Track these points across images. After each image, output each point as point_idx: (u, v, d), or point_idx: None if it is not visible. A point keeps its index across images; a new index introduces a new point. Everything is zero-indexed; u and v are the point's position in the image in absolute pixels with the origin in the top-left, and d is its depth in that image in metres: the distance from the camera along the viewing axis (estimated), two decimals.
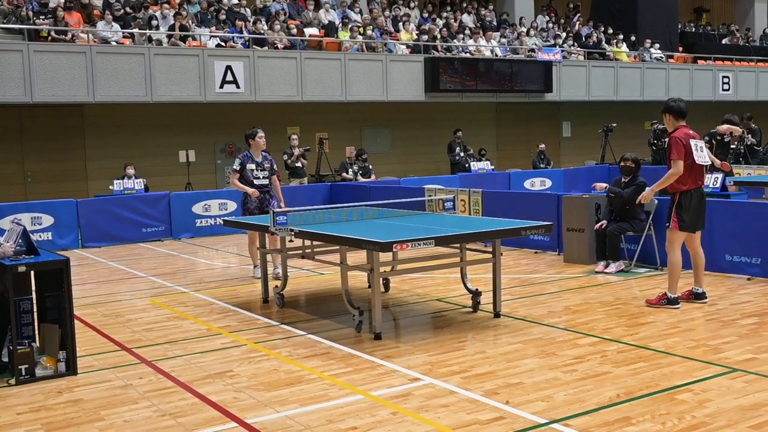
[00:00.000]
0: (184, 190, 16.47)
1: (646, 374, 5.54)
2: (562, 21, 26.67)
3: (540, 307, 7.83)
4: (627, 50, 25.30)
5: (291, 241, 8.07)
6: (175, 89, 17.17)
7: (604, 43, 25.23)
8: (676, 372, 5.58)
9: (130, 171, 15.30)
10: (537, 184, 18.49)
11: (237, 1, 19.91)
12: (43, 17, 16.78)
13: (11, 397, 5.49)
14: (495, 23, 24.46)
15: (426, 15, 23.52)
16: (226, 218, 10.16)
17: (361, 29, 20.51)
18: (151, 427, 4.83)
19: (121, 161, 16.12)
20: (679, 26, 28.38)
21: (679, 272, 7.52)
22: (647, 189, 7.76)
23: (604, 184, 10.09)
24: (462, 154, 19.77)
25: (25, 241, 6.00)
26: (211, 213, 14.74)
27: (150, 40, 17.49)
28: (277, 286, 8.40)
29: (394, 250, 6.44)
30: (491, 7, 25.39)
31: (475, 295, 7.68)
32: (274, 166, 10.03)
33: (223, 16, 19.07)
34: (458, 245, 7.56)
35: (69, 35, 16.57)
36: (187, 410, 5.11)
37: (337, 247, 7.43)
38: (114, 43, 17.04)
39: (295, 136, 17.09)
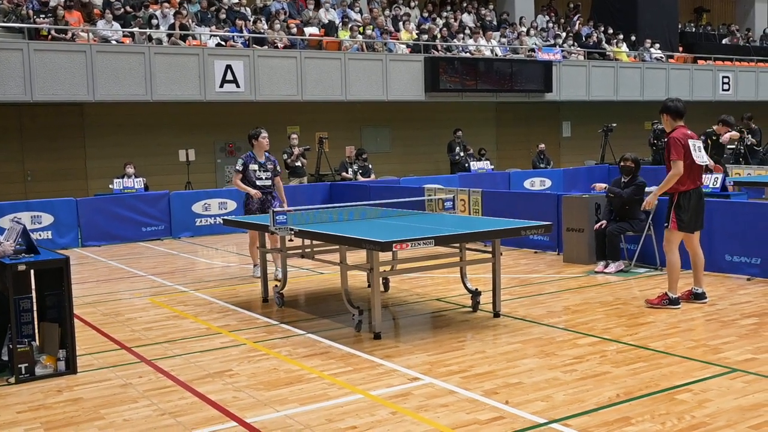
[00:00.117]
0: (183, 190, 16.47)
1: (645, 374, 5.54)
2: (562, 21, 26.67)
3: (539, 307, 7.83)
4: (627, 50, 25.31)
5: (291, 240, 8.07)
6: (175, 88, 17.16)
7: (604, 43, 25.23)
8: (676, 372, 5.58)
9: (130, 170, 15.30)
10: (537, 184, 18.49)
11: (237, 1, 19.91)
12: (43, 16, 16.78)
13: (11, 396, 5.49)
14: (495, 23, 24.46)
15: (426, 14, 23.51)
16: (225, 217, 10.15)
17: (361, 29, 20.51)
18: (151, 426, 4.83)
19: (121, 160, 16.12)
20: (679, 26, 28.38)
21: (679, 272, 7.53)
22: (650, 195, 7.73)
23: (604, 185, 10.09)
24: (462, 154, 19.77)
25: (25, 240, 6.00)
26: (210, 212, 14.74)
27: (150, 39, 17.48)
28: (276, 286, 8.40)
29: (393, 249, 6.44)
30: (491, 6, 25.39)
31: (475, 294, 7.68)
32: (277, 167, 9.99)
33: (223, 16, 19.07)
34: (458, 245, 7.56)
35: (69, 34, 16.56)
36: (187, 409, 5.11)
37: (337, 247, 7.42)
38: (114, 42, 17.04)
39: (294, 136, 17.09)
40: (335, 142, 19.83)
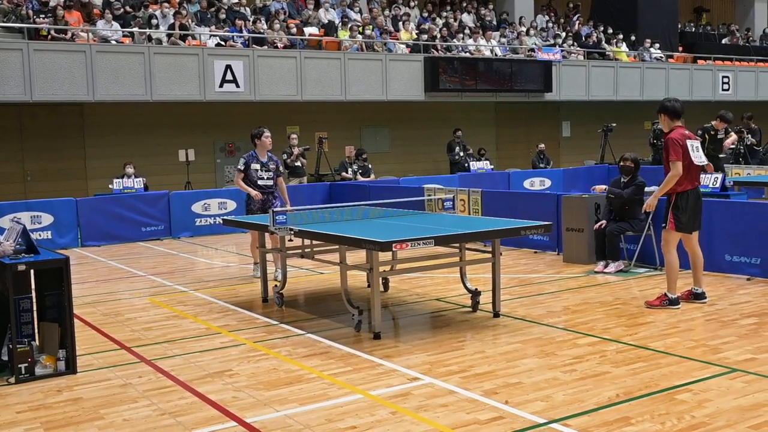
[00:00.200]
0: (183, 190, 16.47)
1: (645, 374, 5.54)
2: (562, 21, 26.67)
3: (539, 306, 7.83)
4: (627, 50, 25.31)
5: (290, 240, 8.06)
6: (174, 88, 17.16)
7: (603, 42, 25.23)
8: (676, 372, 5.58)
9: (130, 170, 15.30)
10: (536, 183, 18.49)
11: (237, 1, 19.91)
12: (43, 16, 16.77)
13: (11, 396, 5.49)
14: (495, 23, 24.47)
15: (426, 14, 23.52)
16: (225, 217, 10.16)
17: (361, 28, 20.51)
18: (151, 426, 4.83)
19: (120, 160, 16.12)
20: (679, 26, 28.38)
21: (677, 272, 7.52)
22: (651, 197, 7.72)
23: (603, 187, 10.07)
24: (461, 154, 19.77)
25: (24, 240, 6.00)
26: (210, 212, 14.74)
27: (150, 39, 17.48)
28: (276, 286, 8.41)
29: (393, 249, 6.44)
30: (491, 6, 25.39)
31: (475, 294, 7.68)
32: (280, 168, 9.96)
33: (222, 16, 19.07)
34: (458, 245, 7.56)
35: (69, 34, 16.56)
36: (187, 409, 5.11)
37: (337, 247, 7.43)
38: (114, 42, 17.04)
39: (294, 136, 17.09)
40: (335, 142, 19.83)
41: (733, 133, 14.00)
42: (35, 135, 17.34)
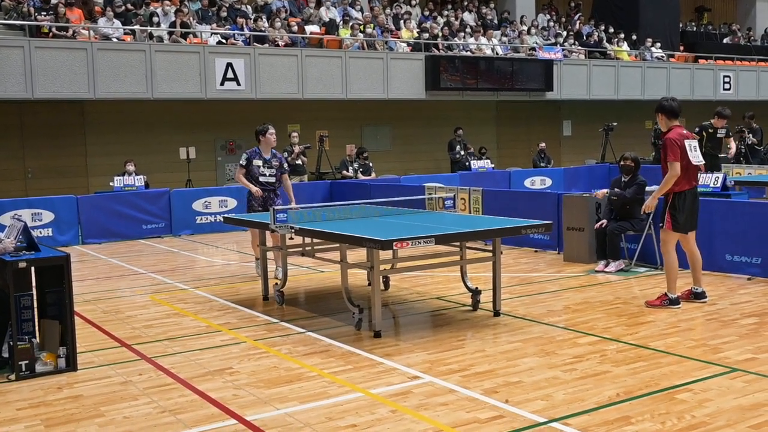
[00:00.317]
0: (184, 187, 16.47)
1: (645, 374, 5.54)
2: (563, 20, 26.66)
3: (540, 305, 7.83)
4: (628, 49, 25.29)
5: (291, 238, 8.07)
6: (175, 86, 17.16)
7: (605, 41, 25.22)
8: (676, 371, 5.58)
9: (131, 168, 15.29)
10: (537, 182, 18.48)
11: None
12: (44, 13, 16.78)
13: (11, 393, 5.50)
14: (496, 22, 24.46)
15: (427, 13, 23.51)
16: (226, 215, 10.16)
17: (362, 27, 20.50)
18: (151, 424, 4.83)
19: (121, 158, 16.12)
20: (681, 25, 28.36)
21: (677, 272, 7.52)
22: (650, 198, 7.72)
23: (605, 191, 10.01)
24: (462, 153, 19.76)
25: (25, 237, 6.01)
26: (211, 210, 14.73)
27: (151, 36, 17.48)
28: (277, 284, 8.41)
29: (394, 248, 6.44)
30: (492, 5, 25.37)
31: (475, 293, 7.68)
32: (284, 165, 9.88)
33: (224, 13, 19.06)
34: (458, 243, 7.56)
35: (70, 31, 16.56)
36: (187, 407, 5.12)
37: (338, 245, 7.43)
38: (115, 40, 17.03)
39: (295, 134, 17.08)
40: (336, 140, 19.82)
41: (732, 143, 13.87)
42: (36, 132, 17.34)
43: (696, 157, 7.33)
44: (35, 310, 6.09)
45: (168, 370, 5.95)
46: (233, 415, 4.93)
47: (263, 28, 18.80)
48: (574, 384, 5.35)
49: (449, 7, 24.67)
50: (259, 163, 9.62)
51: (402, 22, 21.73)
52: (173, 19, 17.91)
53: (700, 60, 26.66)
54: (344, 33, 20.05)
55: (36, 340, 6.02)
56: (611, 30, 25.92)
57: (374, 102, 20.35)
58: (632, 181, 9.55)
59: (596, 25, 25.93)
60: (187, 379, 5.70)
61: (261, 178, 9.60)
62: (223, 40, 18.23)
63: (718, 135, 13.14)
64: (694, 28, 29.56)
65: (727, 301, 7.79)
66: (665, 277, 7.61)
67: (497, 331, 6.87)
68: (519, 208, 11.04)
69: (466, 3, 24.89)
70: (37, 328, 6.11)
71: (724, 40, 29.05)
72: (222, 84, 17.61)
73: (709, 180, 10.73)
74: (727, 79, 26.20)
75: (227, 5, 19.36)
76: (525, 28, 24.01)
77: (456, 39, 22.05)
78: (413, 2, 23.49)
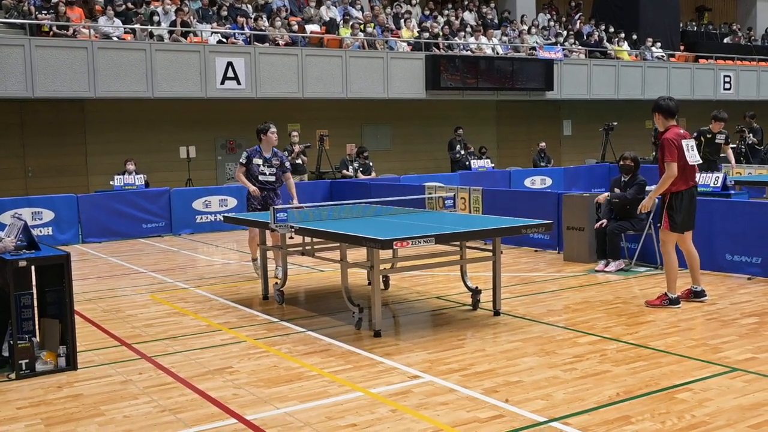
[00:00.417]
0: (184, 186, 16.47)
1: (645, 373, 5.54)
2: (564, 19, 26.66)
3: (540, 305, 7.83)
4: (628, 49, 25.29)
5: (291, 237, 8.07)
6: (176, 85, 17.16)
7: (605, 41, 25.22)
8: (676, 371, 5.58)
9: (131, 167, 15.30)
10: (537, 182, 18.48)
11: None
12: (44, 12, 16.78)
13: (11, 392, 5.50)
14: (496, 21, 24.45)
15: (427, 12, 23.51)
16: (226, 214, 10.15)
17: (363, 26, 20.50)
18: (151, 423, 4.84)
19: (121, 157, 16.12)
20: (681, 25, 28.36)
21: (677, 271, 7.52)
22: (646, 198, 7.71)
23: (606, 195, 9.97)
24: (462, 152, 19.76)
25: (26, 236, 6.01)
26: (211, 209, 14.73)
27: (151, 35, 17.47)
28: (277, 283, 8.41)
29: (394, 247, 6.45)
30: (493, 4, 25.37)
31: (475, 293, 7.68)
32: (285, 164, 9.83)
33: (224, 13, 19.05)
34: (458, 243, 7.56)
35: (70, 30, 16.56)
36: (187, 406, 5.12)
37: (338, 244, 7.43)
38: (115, 39, 17.02)
39: (295, 133, 17.08)
40: (336, 139, 19.82)
41: (729, 151, 13.79)
42: (36, 131, 17.34)
43: (693, 157, 7.32)
44: (35, 309, 6.09)
45: (168, 369, 5.95)
46: (233, 415, 4.93)
47: (263, 28, 18.80)
48: (574, 383, 5.35)
49: (449, 6, 24.66)
50: (259, 161, 9.60)
51: (402, 21, 21.74)
52: (174, 18, 17.90)
53: (700, 60, 26.65)
54: (344, 32, 20.05)
55: (36, 339, 6.02)
56: (611, 30, 25.91)
57: (374, 101, 20.35)
58: (632, 181, 9.55)
59: (596, 25, 25.93)
60: (187, 378, 5.71)
61: (260, 177, 9.58)
62: (224, 39, 18.23)
63: (717, 140, 13.08)
64: (695, 28, 29.55)
65: (727, 300, 7.79)
66: (665, 277, 7.61)
67: (497, 330, 6.87)
68: (519, 207, 11.04)
69: (466, 2, 24.89)
70: (37, 327, 6.11)
71: (725, 40, 29.05)
72: (222, 83, 17.61)
73: (709, 180, 10.73)
74: (727, 79, 26.20)
75: (228, 4, 19.36)
76: (525, 27, 24.00)
77: (456, 38, 22.05)
78: (413, 1, 23.49)
